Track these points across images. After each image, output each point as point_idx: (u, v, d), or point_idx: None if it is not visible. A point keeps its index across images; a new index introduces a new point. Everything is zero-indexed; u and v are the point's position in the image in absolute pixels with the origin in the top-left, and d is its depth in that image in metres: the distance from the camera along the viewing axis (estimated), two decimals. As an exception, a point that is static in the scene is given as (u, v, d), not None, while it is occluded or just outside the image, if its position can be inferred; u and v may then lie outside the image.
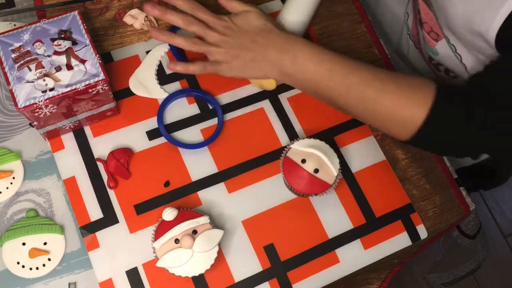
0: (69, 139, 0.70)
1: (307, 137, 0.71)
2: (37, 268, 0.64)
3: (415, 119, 0.59)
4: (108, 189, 0.68)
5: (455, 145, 0.61)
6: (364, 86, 0.61)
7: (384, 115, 0.62)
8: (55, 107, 0.61)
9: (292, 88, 0.76)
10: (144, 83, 0.74)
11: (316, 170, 0.65)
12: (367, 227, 0.70)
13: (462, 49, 0.67)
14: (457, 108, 0.58)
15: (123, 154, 0.68)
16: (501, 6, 0.54)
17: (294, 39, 0.66)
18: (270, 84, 0.73)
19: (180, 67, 0.68)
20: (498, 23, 0.55)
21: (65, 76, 0.61)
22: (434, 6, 0.67)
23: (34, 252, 0.64)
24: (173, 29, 0.75)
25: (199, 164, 0.70)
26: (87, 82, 0.61)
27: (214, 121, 0.73)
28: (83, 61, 0.62)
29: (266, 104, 0.75)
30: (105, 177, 0.68)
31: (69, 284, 0.64)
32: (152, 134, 0.71)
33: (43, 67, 0.61)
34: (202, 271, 0.62)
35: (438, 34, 0.70)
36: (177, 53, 0.75)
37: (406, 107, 0.60)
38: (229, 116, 0.74)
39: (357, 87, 0.62)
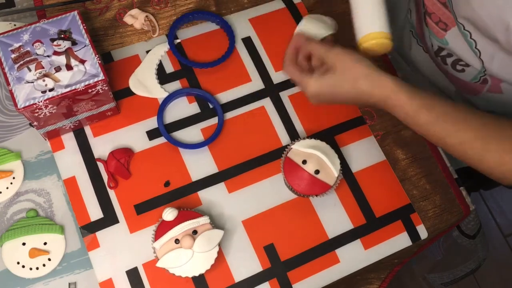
0: (69, 139, 0.70)
1: (307, 137, 0.71)
2: (37, 268, 0.64)
3: None
4: (108, 189, 0.68)
5: None
6: (466, 148, 0.60)
7: (488, 170, 0.61)
8: (54, 107, 0.61)
9: (293, 86, 0.76)
10: (144, 83, 0.74)
11: (317, 171, 0.65)
12: (367, 227, 0.70)
13: (478, 35, 0.66)
14: None
15: (123, 154, 0.68)
16: None
17: (380, 99, 0.62)
18: (383, 47, 0.67)
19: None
20: None
21: (64, 77, 0.61)
22: None
23: (34, 252, 0.64)
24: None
25: (199, 164, 0.70)
26: (86, 83, 0.61)
27: (214, 120, 0.73)
28: (82, 61, 0.62)
29: (267, 102, 0.75)
30: (105, 177, 0.68)
31: (69, 284, 0.64)
32: (152, 134, 0.71)
33: (43, 68, 0.61)
34: (202, 271, 0.62)
35: (446, 23, 0.70)
36: (177, 53, 0.75)
37: (510, 163, 0.58)
38: (230, 115, 0.74)
39: (458, 148, 0.61)
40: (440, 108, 0.60)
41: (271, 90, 0.76)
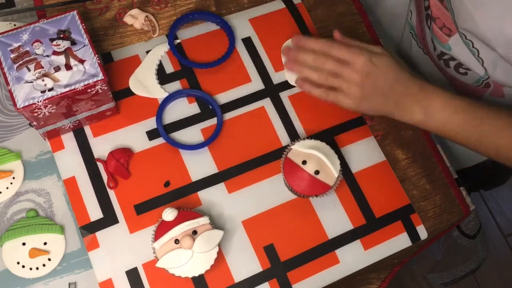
0: (69, 139, 0.70)
1: (307, 137, 0.71)
2: (37, 268, 0.64)
3: None
4: (108, 189, 0.68)
5: None
6: (496, 135, 0.61)
7: None
8: (54, 107, 0.61)
9: (293, 86, 0.76)
10: (144, 83, 0.74)
11: (317, 172, 0.65)
12: (367, 227, 0.70)
13: (480, 45, 0.67)
14: None
15: (123, 154, 0.68)
16: None
17: (427, 87, 0.65)
18: None
19: (305, 88, 0.71)
20: None
21: (64, 76, 0.61)
22: (452, 4, 0.66)
23: (34, 252, 0.64)
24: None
25: (199, 164, 0.70)
26: (86, 82, 0.61)
27: (214, 121, 0.73)
28: (82, 61, 0.62)
29: (267, 103, 0.75)
30: (105, 177, 0.68)
31: (69, 284, 0.64)
32: (152, 134, 0.71)
33: (42, 67, 0.61)
34: (202, 272, 0.62)
35: (451, 29, 0.70)
36: (177, 53, 0.75)
37: None
38: (230, 115, 0.74)
39: (489, 137, 0.62)
40: (480, 107, 0.62)
41: (271, 91, 0.76)
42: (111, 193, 0.68)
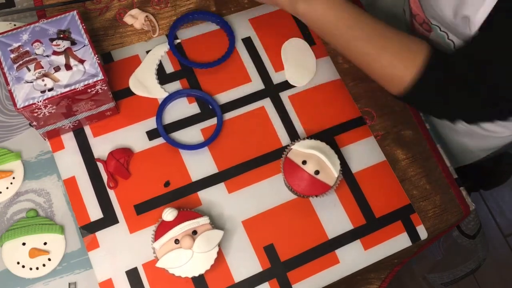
0: (69, 139, 0.70)
1: (307, 137, 0.71)
2: (37, 268, 0.64)
3: (403, 80, 0.63)
4: (108, 189, 0.68)
5: (435, 106, 0.66)
6: (366, 41, 0.64)
7: (379, 70, 0.65)
8: (54, 107, 0.61)
9: (293, 86, 0.76)
10: (144, 83, 0.74)
11: (317, 172, 0.65)
12: (367, 227, 0.70)
13: (451, 35, 0.69)
14: (438, 75, 0.62)
15: (123, 154, 0.68)
16: None
17: None
18: None
19: None
20: (487, 8, 0.57)
21: (64, 76, 0.61)
22: None
23: (34, 252, 0.64)
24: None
25: (199, 164, 0.70)
26: (86, 82, 0.61)
27: (214, 121, 0.73)
28: (82, 61, 0.62)
29: (267, 103, 0.75)
30: (105, 177, 0.68)
31: (69, 284, 0.64)
32: (152, 134, 0.71)
33: (42, 67, 0.61)
34: (202, 272, 0.62)
35: (428, 23, 0.71)
36: (177, 53, 0.75)
37: (398, 67, 0.63)
38: (230, 115, 0.74)
39: (359, 41, 0.65)
40: (358, 12, 0.65)
41: (271, 91, 0.76)
42: (111, 193, 0.68)
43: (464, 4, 0.60)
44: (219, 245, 0.63)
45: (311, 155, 0.66)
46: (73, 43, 0.62)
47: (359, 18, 0.65)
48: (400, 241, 0.70)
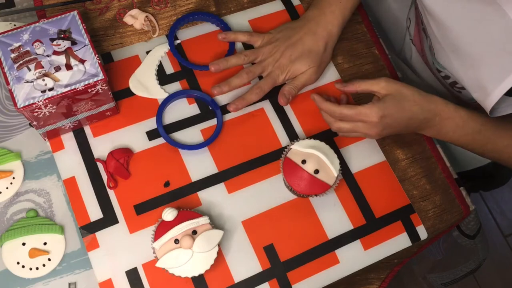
0: (69, 139, 0.70)
1: (307, 138, 0.71)
2: (37, 268, 0.64)
3: None
4: (108, 189, 0.68)
5: None
6: (500, 153, 0.69)
7: None
8: (54, 107, 0.61)
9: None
10: (144, 83, 0.74)
11: (316, 171, 0.65)
12: (367, 227, 0.70)
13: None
14: None
15: (123, 154, 0.68)
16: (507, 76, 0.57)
17: (440, 111, 0.67)
18: None
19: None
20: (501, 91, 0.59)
21: (64, 76, 0.61)
22: (432, 42, 0.69)
23: (34, 252, 0.64)
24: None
25: (199, 164, 0.70)
26: (86, 82, 0.61)
27: (214, 121, 0.73)
28: (82, 61, 0.62)
29: (266, 104, 0.75)
30: (105, 177, 0.68)
31: (69, 284, 0.64)
32: (152, 134, 0.71)
33: (43, 67, 0.61)
34: (202, 272, 0.62)
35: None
36: (177, 54, 0.75)
37: None
38: (230, 116, 0.74)
39: (491, 153, 0.70)
40: (481, 118, 0.67)
41: (270, 92, 0.76)
42: (111, 193, 0.68)
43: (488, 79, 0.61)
44: (219, 245, 0.63)
45: (311, 154, 0.66)
46: (74, 43, 0.62)
47: (491, 134, 0.68)
48: (400, 241, 0.70)
